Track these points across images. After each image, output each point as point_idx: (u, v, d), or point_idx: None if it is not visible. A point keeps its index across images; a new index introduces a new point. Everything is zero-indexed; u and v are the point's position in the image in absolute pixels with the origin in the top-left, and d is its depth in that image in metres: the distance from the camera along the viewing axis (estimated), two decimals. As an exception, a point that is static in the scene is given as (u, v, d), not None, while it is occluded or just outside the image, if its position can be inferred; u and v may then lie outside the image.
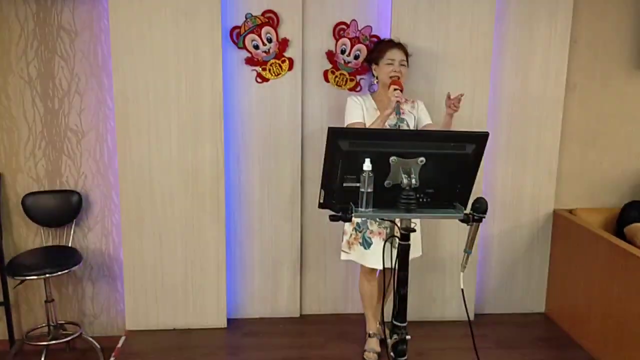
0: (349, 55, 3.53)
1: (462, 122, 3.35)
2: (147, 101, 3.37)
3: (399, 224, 2.28)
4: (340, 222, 3.66)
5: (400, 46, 3.21)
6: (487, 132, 2.21)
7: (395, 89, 3.03)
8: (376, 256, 3.23)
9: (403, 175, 2.20)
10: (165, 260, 3.55)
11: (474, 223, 2.25)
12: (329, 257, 3.78)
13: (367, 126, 3.17)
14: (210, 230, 3.54)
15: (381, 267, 3.23)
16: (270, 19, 3.43)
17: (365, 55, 3.43)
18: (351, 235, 3.29)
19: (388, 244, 3.26)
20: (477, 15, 3.48)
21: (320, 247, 3.78)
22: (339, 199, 2.29)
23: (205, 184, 3.49)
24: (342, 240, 3.34)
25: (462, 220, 2.23)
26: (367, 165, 2.18)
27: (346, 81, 3.56)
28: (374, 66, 3.26)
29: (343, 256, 3.34)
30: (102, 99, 3.51)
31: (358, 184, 2.26)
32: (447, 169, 2.25)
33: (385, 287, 2.93)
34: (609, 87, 3.76)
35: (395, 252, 3.33)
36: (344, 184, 2.25)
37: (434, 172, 2.24)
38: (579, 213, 3.80)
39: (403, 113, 3.10)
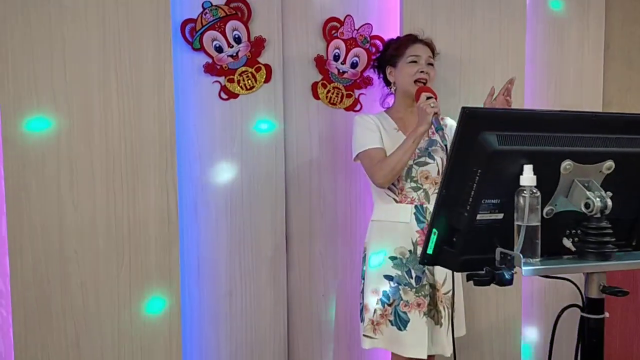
0: (344, 62, 2.60)
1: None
2: (56, 129, 2.18)
3: (582, 287, 1.31)
4: (354, 291, 2.67)
5: (424, 42, 2.34)
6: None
7: (428, 97, 2.14)
8: (417, 339, 2.22)
9: (588, 194, 1.26)
10: (88, 374, 2.28)
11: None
12: (326, 345, 2.69)
13: (390, 154, 2.23)
14: (158, 319, 2.34)
15: (425, 356, 2.23)
16: (239, 10, 2.44)
17: (375, 58, 2.50)
18: (376, 311, 2.26)
19: (430, 321, 2.29)
20: (506, 9, 2.72)
21: (314, 330, 2.67)
22: (465, 244, 1.30)
23: (150, 250, 2.32)
24: (362, 320, 2.31)
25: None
26: (528, 175, 1.23)
27: (342, 97, 2.62)
28: (389, 69, 2.36)
29: (366, 343, 2.29)
30: (-21, 128, 2.27)
31: (500, 215, 1.30)
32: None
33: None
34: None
35: (442, 330, 2.37)
36: (479, 215, 1.27)
37: (619, 186, 1.33)
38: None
39: (443, 128, 2.19)
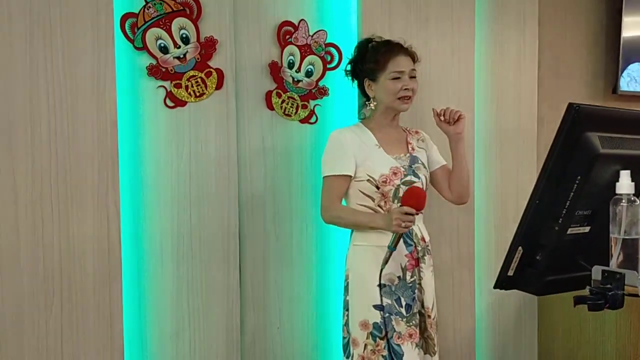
0: (298, 70, 2.38)
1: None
2: (-36, 139, 1.75)
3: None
4: (312, 323, 2.45)
5: (407, 51, 2.17)
6: None
7: (405, 213, 1.88)
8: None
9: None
10: None
11: None
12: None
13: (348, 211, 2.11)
14: (96, 373, 1.94)
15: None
16: (187, 6, 2.13)
17: (349, 62, 2.26)
18: (366, 346, 2.04)
19: (420, 352, 2.11)
20: (457, 16, 2.66)
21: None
22: (549, 263, 1.15)
23: (86, 288, 1.92)
24: (349, 356, 2.08)
25: None
26: (626, 182, 1.12)
27: (297, 108, 2.39)
28: (367, 83, 2.15)
29: (357, 385, 2.06)
30: None
31: (587, 228, 1.16)
32: None
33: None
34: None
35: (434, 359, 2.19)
36: (570, 229, 1.13)
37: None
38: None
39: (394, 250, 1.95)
